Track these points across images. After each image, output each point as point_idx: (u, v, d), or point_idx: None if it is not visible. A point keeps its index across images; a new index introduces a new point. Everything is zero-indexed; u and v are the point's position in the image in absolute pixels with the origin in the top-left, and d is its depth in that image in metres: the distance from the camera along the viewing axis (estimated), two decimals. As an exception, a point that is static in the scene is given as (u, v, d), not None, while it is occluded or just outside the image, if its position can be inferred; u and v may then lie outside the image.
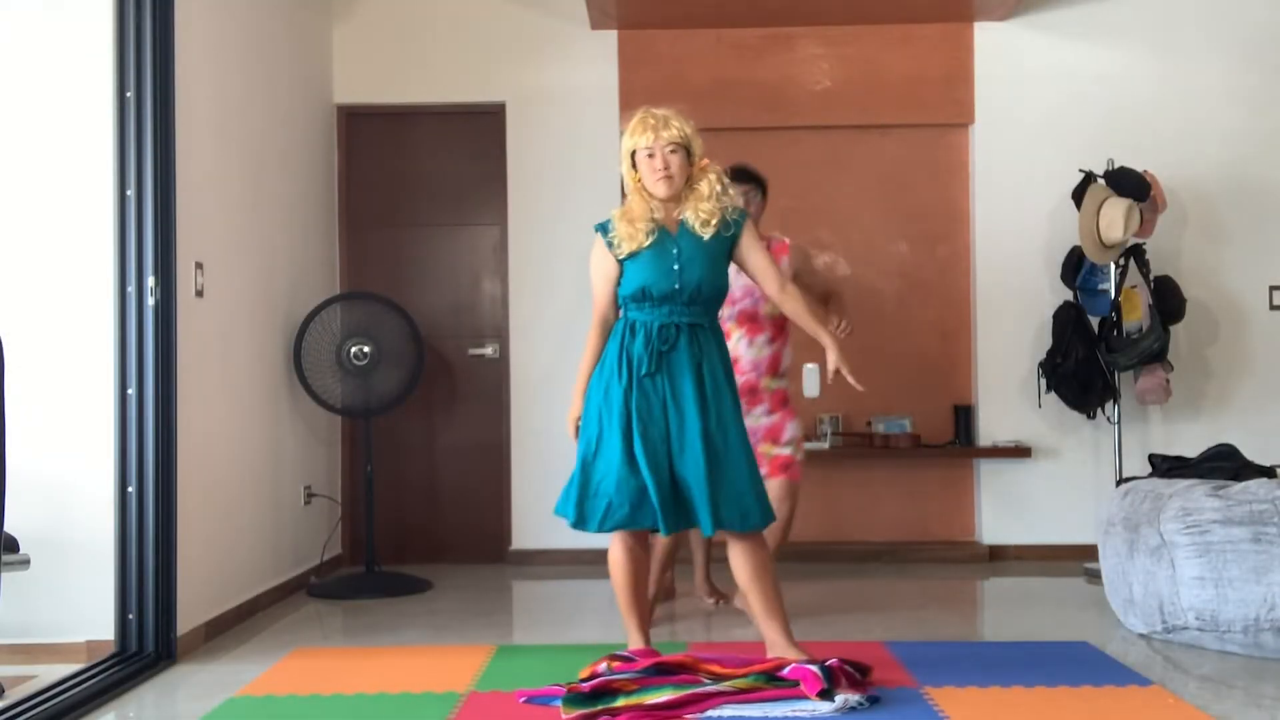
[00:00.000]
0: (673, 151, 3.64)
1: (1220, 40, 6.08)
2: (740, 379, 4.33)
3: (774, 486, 4.36)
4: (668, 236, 3.67)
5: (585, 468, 3.64)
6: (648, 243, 3.63)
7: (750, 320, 4.46)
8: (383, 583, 5.38)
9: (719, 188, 3.70)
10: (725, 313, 4.39)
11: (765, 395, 4.47)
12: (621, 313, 3.73)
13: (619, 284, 3.70)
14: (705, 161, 3.72)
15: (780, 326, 4.50)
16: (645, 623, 3.79)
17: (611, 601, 3.80)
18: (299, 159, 5.67)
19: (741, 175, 4.50)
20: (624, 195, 3.85)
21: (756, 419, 4.44)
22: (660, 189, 3.66)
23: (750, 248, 3.74)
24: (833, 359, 3.75)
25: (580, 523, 3.63)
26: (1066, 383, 5.78)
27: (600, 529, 3.61)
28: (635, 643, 3.75)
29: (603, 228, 3.74)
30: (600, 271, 3.74)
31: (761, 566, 3.66)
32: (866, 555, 5.85)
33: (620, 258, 3.67)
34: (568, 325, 6.10)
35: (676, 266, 3.63)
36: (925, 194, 6.02)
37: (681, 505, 3.59)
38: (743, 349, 4.46)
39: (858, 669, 3.45)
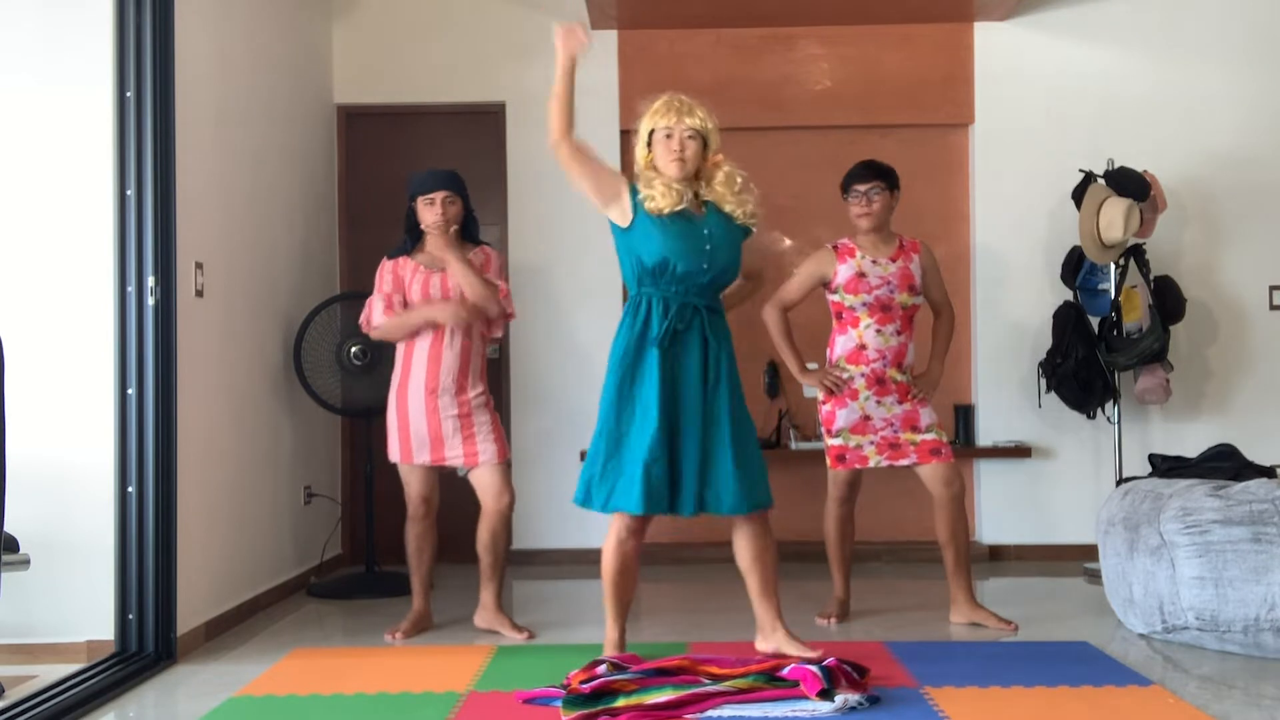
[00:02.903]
0: (690, 137, 3.75)
1: (1220, 40, 6.08)
2: (866, 367, 4.47)
3: (930, 472, 4.46)
4: (695, 215, 3.75)
5: (601, 449, 3.71)
6: (680, 205, 3.71)
7: (883, 309, 4.49)
8: (383, 583, 5.38)
9: (739, 181, 3.81)
10: (857, 301, 4.49)
11: (893, 386, 4.48)
12: (635, 288, 3.79)
13: (618, 220, 3.76)
14: (719, 157, 3.83)
15: (909, 320, 4.53)
16: (624, 612, 3.85)
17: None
18: (299, 159, 5.67)
19: (871, 173, 4.61)
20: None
21: (889, 408, 4.48)
22: (672, 169, 3.74)
23: (750, 245, 3.92)
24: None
25: (599, 504, 3.71)
26: (1066, 383, 5.78)
27: (605, 508, 3.70)
28: (611, 631, 3.82)
29: (632, 189, 3.82)
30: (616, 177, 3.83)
31: (764, 549, 3.81)
32: (866, 555, 5.85)
33: (653, 214, 3.71)
34: (568, 325, 6.10)
35: (708, 247, 3.72)
36: (925, 194, 6.01)
37: (672, 487, 3.67)
38: (870, 336, 4.49)
39: (856, 669, 3.46)
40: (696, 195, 3.80)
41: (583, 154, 3.78)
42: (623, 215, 3.75)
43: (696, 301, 3.72)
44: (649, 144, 3.79)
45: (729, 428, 3.69)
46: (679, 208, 3.71)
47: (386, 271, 4.53)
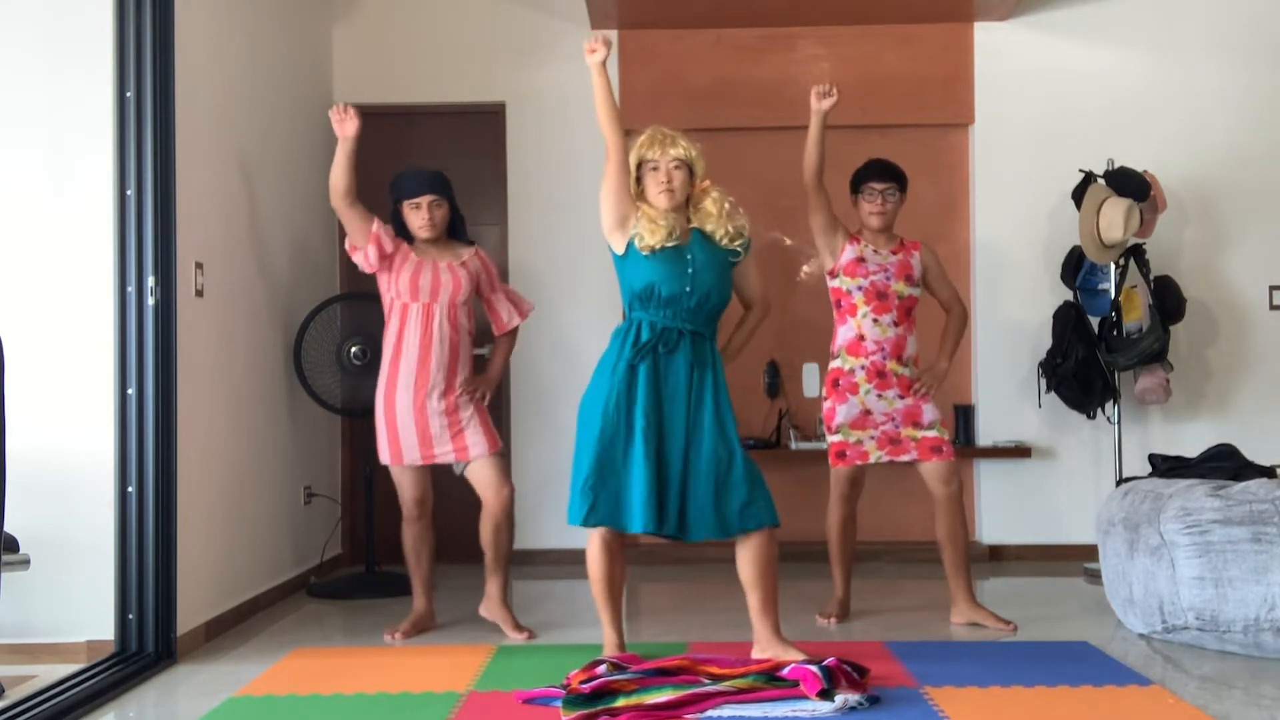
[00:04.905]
0: (676, 167, 3.84)
1: (1220, 40, 6.08)
2: (866, 360, 4.49)
3: (930, 470, 4.48)
4: (681, 243, 3.83)
5: (585, 466, 3.74)
6: (671, 242, 3.78)
7: (879, 297, 4.51)
8: (383, 583, 5.38)
9: (727, 205, 3.89)
10: (854, 285, 4.53)
11: (894, 379, 4.49)
12: (628, 312, 3.86)
13: (622, 240, 3.82)
14: (707, 183, 3.93)
15: (906, 312, 4.55)
16: (618, 615, 3.90)
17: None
18: (299, 159, 5.67)
19: (885, 172, 4.65)
20: None
21: (890, 402, 4.49)
22: (661, 200, 3.83)
23: (749, 269, 4.00)
24: None
25: (573, 516, 3.74)
26: (1066, 383, 5.79)
27: (584, 523, 3.73)
28: (609, 634, 3.87)
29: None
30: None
31: (765, 569, 3.80)
32: (867, 555, 5.84)
33: (644, 252, 3.78)
34: (568, 326, 6.10)
35: (690, 270, 3.78)
36: (925, 194, 6.01)
37: (656, 508, 3.69)
38: (868, 326, 4.51)
39: (856, 669, 3.46)
40: (688, 221, 3.88)
41: (624, 170, 3.83)
42: (620, 243, 3.83)
43: (683, 326, 3.77)
44: (638, 178, 3.88)
45: (708, 454, 3.71)
46: (668, 243, 3.77)
47: (385, 231, 4.48)
